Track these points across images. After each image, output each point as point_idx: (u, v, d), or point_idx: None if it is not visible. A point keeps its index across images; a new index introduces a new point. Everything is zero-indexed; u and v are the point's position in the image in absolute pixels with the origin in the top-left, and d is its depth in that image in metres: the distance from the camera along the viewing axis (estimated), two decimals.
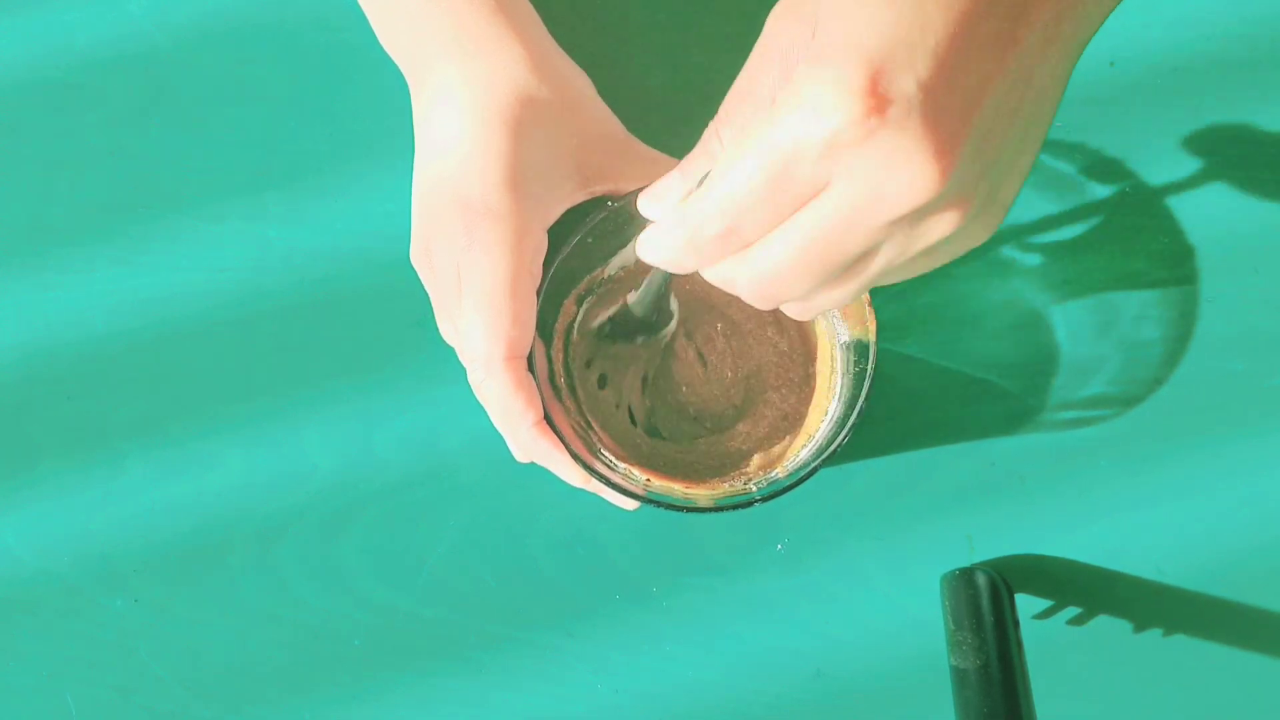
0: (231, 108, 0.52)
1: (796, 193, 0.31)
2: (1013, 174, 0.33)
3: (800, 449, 0.46)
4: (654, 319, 0.45)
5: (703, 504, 0.42)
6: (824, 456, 0.42)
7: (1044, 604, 0.48)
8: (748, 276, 0.34)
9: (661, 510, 0.42)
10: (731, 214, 0.32)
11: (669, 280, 0.43)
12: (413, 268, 0.45)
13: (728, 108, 0.35)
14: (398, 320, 0.50)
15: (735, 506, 0.42)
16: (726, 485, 0.45)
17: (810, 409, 0.47)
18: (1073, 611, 0.48)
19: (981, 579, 0.47)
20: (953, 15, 0.30)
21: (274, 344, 0.50)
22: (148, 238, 0.51)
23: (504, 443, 0.45)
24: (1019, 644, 0.45)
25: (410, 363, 0.50)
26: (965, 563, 0.49)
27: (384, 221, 0.51)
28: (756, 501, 0.42)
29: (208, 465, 0.50)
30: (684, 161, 0.36)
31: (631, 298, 0.45)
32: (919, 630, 0.48)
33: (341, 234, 0.51)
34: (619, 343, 0.46)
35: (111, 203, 0.51)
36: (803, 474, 0.42)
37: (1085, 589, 0.49)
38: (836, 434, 0.43)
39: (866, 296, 0.42)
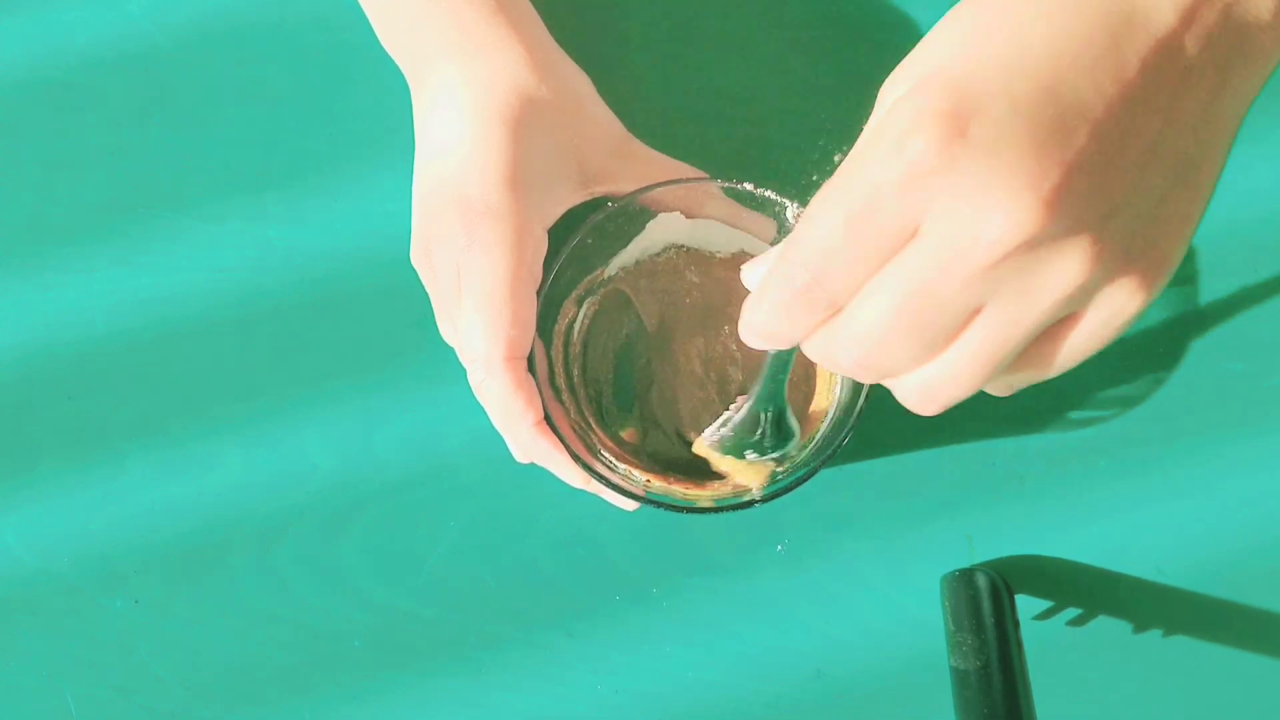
0: (231, 108, 0.52)
1: (883, 234, 0.28)
2: (1163, 222, 0.28)
3: (800, 450, 0.46)
4: (779, 422, 0.43)
5: (703, 504, 0.42)
6: (824, 458, 0.42)
7: (1044, 604, 0.48)
8: (844, 343, 0.30)
9: (661, 510, 0.42)
10: (816, 262, 0.29)
11: (786, 367, 0.40)
12: (413, 268, 0.45)
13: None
14: (398, 320, 0.50)
15: (735, 507, 0.42)
16: (726, 486, 0.45)
17: (810, 410, 0.47)
18: (1073, 612, 0.48)
19: (981, 580, 0.47)
20: (1061, 41, 0.27)
21: (274, 344, 0.50)
22: (148, 238, 0.51)
23: (504, 443, 0.45)
24: (1019, 645, 0.45)
25: (410, 363, 0.50)
26: (965, 563, 0.49)
27: (384, 221, 0.51)
28: (756, 502, 0.42)
29: (208, 465, 0.50)
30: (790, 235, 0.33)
31: (742, 406, 0.43)
32: (919, 630, 0.48)
33: (341, 234, 0.51)
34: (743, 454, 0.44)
35: (111, 203, 0.52)
36: (803, 475, 0.42)
37: (1085, 589, 0.49)
38: (836, 435, 0.43)
39: None
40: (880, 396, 0.49)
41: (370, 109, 0.52)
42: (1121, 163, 0.27)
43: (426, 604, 0.49)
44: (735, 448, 0.43)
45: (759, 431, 0.43)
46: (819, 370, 0.47)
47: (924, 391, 0.31)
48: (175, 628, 0.49)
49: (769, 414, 0.42)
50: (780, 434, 0.43)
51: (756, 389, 0.42)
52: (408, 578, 0.49)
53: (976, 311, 0.29)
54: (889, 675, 0.48)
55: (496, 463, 0.49)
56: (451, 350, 0.45)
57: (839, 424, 0.44)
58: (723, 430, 0.43)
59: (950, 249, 0.27)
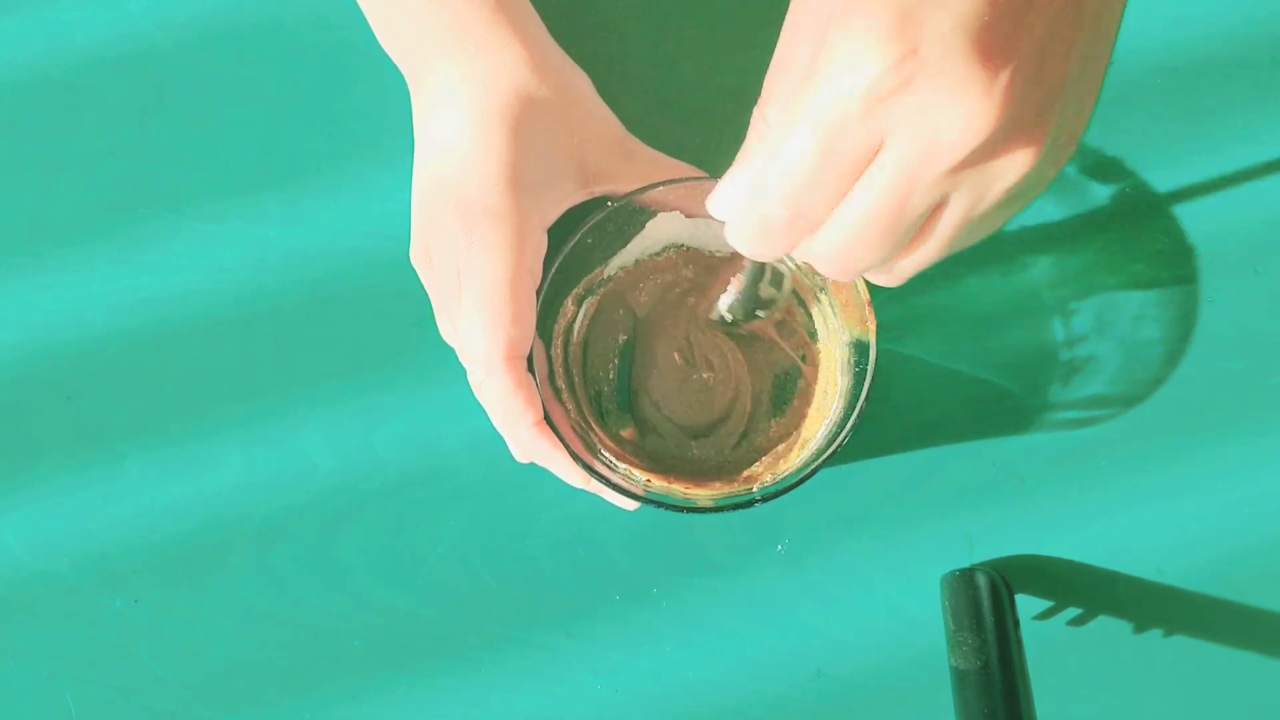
0: (231, 108, 0.52)
1: (853, 159, 0.30)
2: (1080, 107, 0.31)
3: (801, 450, 0.46)
4: (765, 299, 0.45)
5: (703, 504, 0.42)
6: (824, 457, 0.42)
7: (1044, 604, 0.48)
8: (822, 253, 0.33)
9: (661, 510, 0.42)
10: (794, 197, 0.31)
11: (762, 267, 0.43)
12: (413, 268, 0.45)
13: (768, 85, 0.33)
14: (398, 320, 0.50)
15: (735, 507, 0.42)
16: (726, 486, 0.45)
17: (810, 410, 0.47)
18: (1073, 612, 0.48)
19: (982, 579, 0.46)
20: None
21: (274, 344, 0.50)
22: (148, 238, 0.51)
23: (504, 443, 0.45)
24: (1019, 644, 0.45)
25: (410, 363, 0.50)
26: (965, 563, 0.49)
27: (384, 221, 0.51)
28: (757, 502, 0.42)
29: (208, 465, 0.50)
30: (741, 152, 0.35)
31: (730, 293, 0.45)
32: (919, 630, 0.48)
33: (341, 234, 0.51)
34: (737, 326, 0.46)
35: (111, 203, 0.52)
36: (803, 474, 0.42)
37: (1085, 589, 0.49)
38: (836, 435, 0.43)
39: (866, 296, 0.42)
40: (878, 398, 0.49)
41: (370, 109, 0.52)
42: (1053, 58, 0.29)
43: (426, 604, 0.49)
44: (747, 309, 0.45)
45: (760, 288, 0.45)
46: (820, 374, 0.47)
47: (892, 275, 0.35)
48: (175, 628, 0.49)
49: (766, 273, 0.44)
50: (776, 282, 0.45)
51: (747, 287, 0.44)
52: (408, 578, 0.49)
53: (942, 209, 0.31)
54: (889, 675, 0.48)
55: (496, 463, 0.49)
56: (451, 350, 0.45)
57: (839, 424, 0.44)
58: (733, 299, 0.45)
59: (916, 157, 0.29)
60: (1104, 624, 0.48)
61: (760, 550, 0.49)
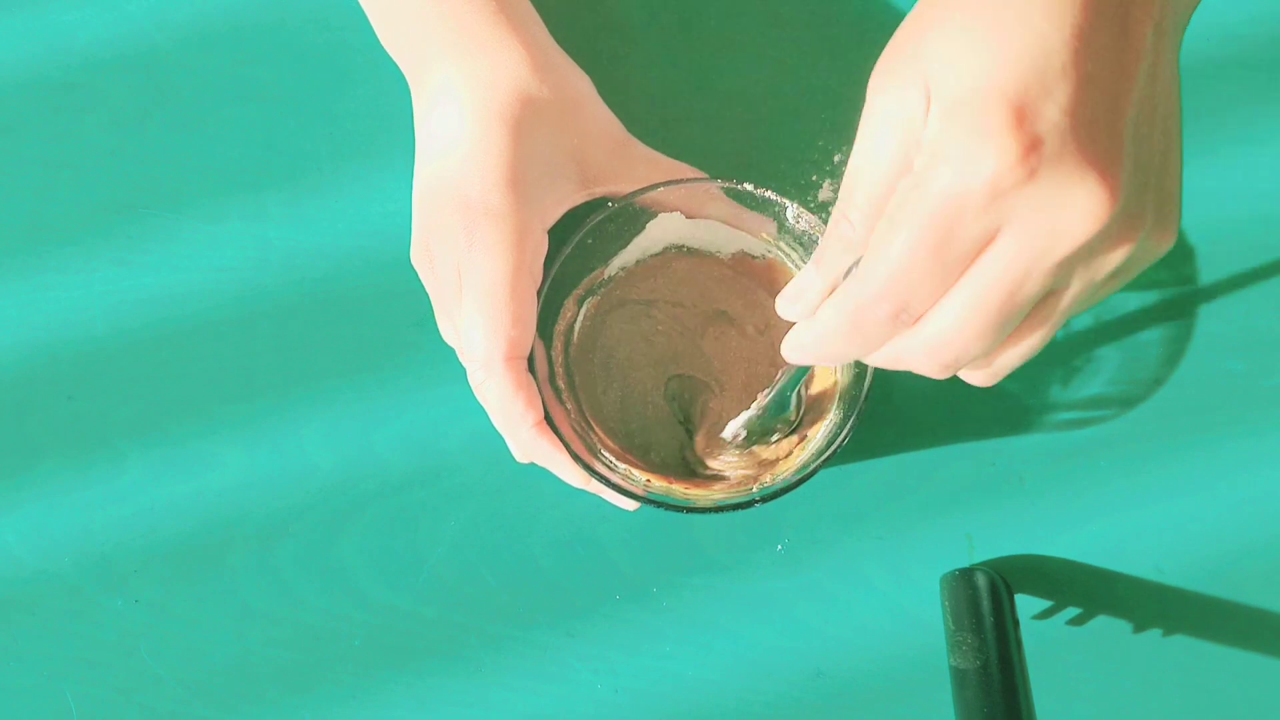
0: (231, 108, 0.52)
1: (963, 252, 0.30)
2: (1169, 174, 0.32)
3: (801, 449, 0.46)
4: (792, 416, 0.46)
5: (703, 504, 0.43)
6: (824, 457, 0.42)
7: (1044, 604, 0.48)
8: (922, 349, 0.32)
9: (662, 510, 0.42)
10: (901, 293, 0.31)
11: (806, 376, 0.43)
12: (413, 268, 0.45)
13: (849, 189, 0.32)
14: (398, 320, 0.50)
15: (735, 507, 0.42)
16: (726, 486, 0.45)
17: (809, 411, 0.47)
18: (1072, 612, 0.48)
19: (981, 579, 0.47)
20: (1068, 33, 0.28)
21: (274, 344, 0.50)
22: (148, 238, 0.51)
23: (504, 442, 0.45)
24: (1019, 644, 0.45)
25: (410, 363, 0.50)
26: (965, 563, 0.49)
27: (384, 221, 0.51)
28: (756, 502, 0.42)
29: (208, 465, 0.50)
30: (816, 255, 0.34)
31: (752, 410, 0.45)
32: (919, 630, 0.48)
33: (341, 234, 0.51)
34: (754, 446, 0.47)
35: (111, 203, 0.52)
36: (803, 474, 0.42)
37: (1085, 589, 0.49)
38: (837, 434, 0.43)
39: None
40: (879, 398, 0.49)
41: (370, 109, 0.52)
42: (1144, 136, 0.30)
43: (426, 604, 0.49)
44: (763, 431, 0.45)
45: (783, 415, 0.45)
46: (818, 370, 0.47)
47: (990, 371, 0.34)
48: (175, 628, 0.49)
49: (794, 396, 0.45)
50: (798, 409, 0.46)
51: (779, 398, 0.44)
52: (408, 578, 0.49)
53: (1051, 296, 0.31)
54: (889, 675, 0.48)
55: (496, 463, 0.49)
56: (451, 350, 0.45)
57: (839, 424, 0.44)
58: (754, 414, 0.45)
59: (1032, 249, 0.29)
60: (1103, 623, 0.48)
61: (760, 550, 0.49)
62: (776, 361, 0.48)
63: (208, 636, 0.49)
